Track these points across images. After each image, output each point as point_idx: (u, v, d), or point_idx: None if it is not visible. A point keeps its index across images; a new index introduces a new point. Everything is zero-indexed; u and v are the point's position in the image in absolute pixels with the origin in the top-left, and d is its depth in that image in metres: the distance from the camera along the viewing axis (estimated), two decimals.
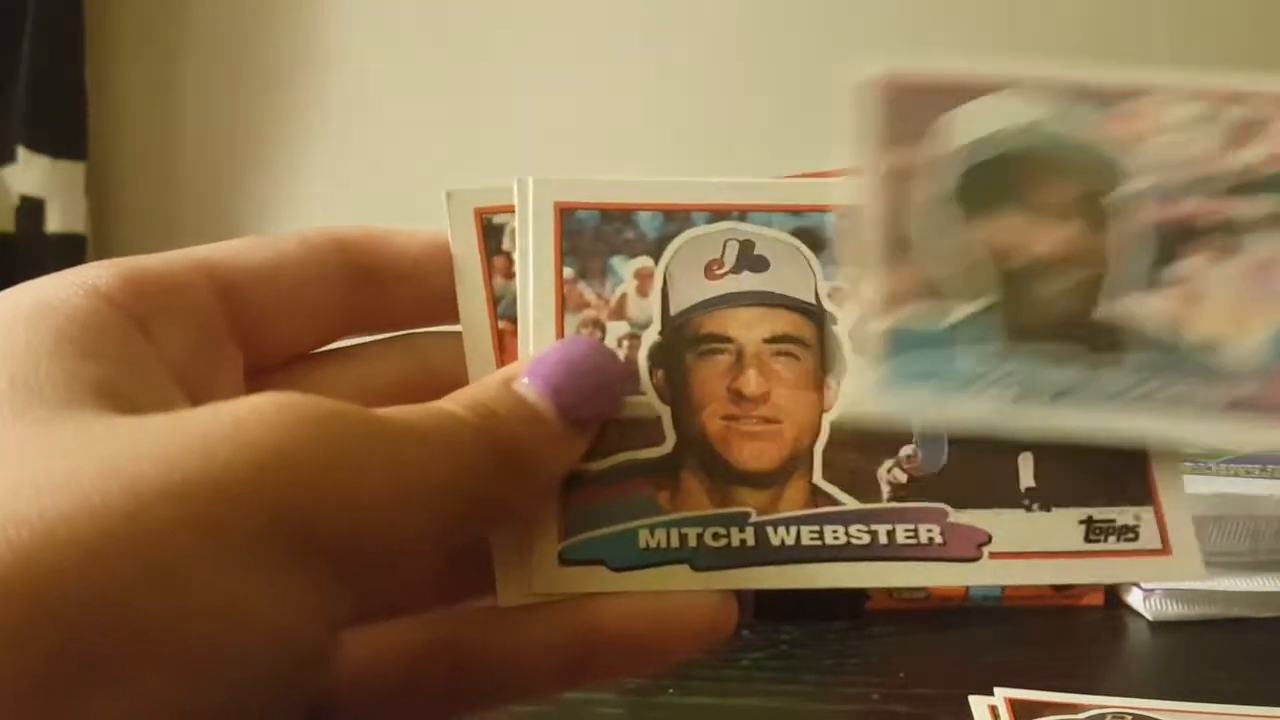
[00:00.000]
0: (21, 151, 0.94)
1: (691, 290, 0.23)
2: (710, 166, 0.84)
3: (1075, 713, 0.47)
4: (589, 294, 0.23)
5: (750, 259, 0.23)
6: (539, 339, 0.22)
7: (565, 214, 0.23)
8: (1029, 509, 0.22)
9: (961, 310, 0.22)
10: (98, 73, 0.99)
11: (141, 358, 0.18)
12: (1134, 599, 0.60)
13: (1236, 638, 0.57)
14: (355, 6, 0.99)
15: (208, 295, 0.20)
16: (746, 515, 0.22)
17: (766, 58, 0.94)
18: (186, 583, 0.14)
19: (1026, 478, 0.22)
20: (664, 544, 0.21)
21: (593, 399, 0.21)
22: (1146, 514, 0.22)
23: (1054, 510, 0.22)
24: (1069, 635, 0.59)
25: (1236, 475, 0.61)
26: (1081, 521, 0.22)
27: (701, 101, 0.94)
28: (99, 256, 0.97)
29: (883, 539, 0.22)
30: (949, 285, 0.22)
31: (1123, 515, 0.22)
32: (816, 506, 0.22)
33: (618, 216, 0.23)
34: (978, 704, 0.47)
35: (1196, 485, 0.59)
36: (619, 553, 0.21)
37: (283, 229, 0.99)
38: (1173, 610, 0.58)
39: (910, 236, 0.22)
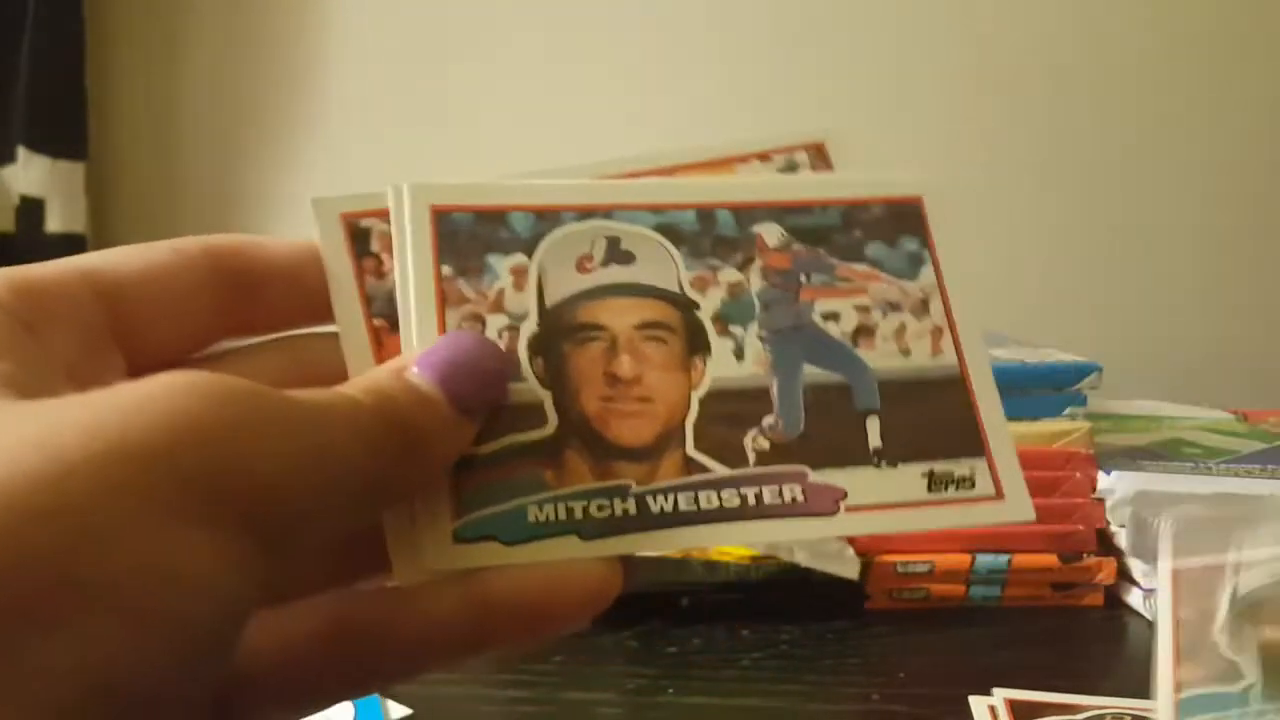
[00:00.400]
0: (21, 151, 0.94)
1: (565, 284, 0.25)
2: None
3: (1074, 713, 0.47)
4: (468, 290, 0.24)
5: (617, 253, 0.25)
6: (422, 334, 0.23)
7: (440, 216, 0.25)
8: (878, 465, 0.24)
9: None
10: (98, 73, 0.99)
11: (34, 357, 0.19)
12: (1134, 599, 0.60)
13: None
14: (355, 6, 0.99)
15: (89, 301, 0.21)
16: (627, 487, 0.23)
17: (748, 60, 0.95)
18: (118, 540, 0.15)
19: (874, 439, 0.25)
20: (552, 517, 0.23)
21: (479, 387, 0.22)
22: (980, 465, 0.25)
23: (900, 466, 0.25)
24: (1069, 635, 0.59)
25: (1236, 475, 0.61)
26: (924, 475, 0.25)
27: (686, 105, 0.94)
28: None
29: (751, 500, 0.24)
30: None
31: (960, 467, 0.25)
32: (690, 475, 0.24)
33: (491, 217, 0.25)
34: (978, 704, 0.47)
35: (1195, 485, 0.59)
36: (510, 528, 0.22)
37: (282, 228, 1.00)
38: None
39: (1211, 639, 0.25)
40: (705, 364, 0.25)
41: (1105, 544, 0.62)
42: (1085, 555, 0.60)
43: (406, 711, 0.47)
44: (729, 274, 0.25)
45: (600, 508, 0.23)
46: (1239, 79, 0.92)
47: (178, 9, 1.01)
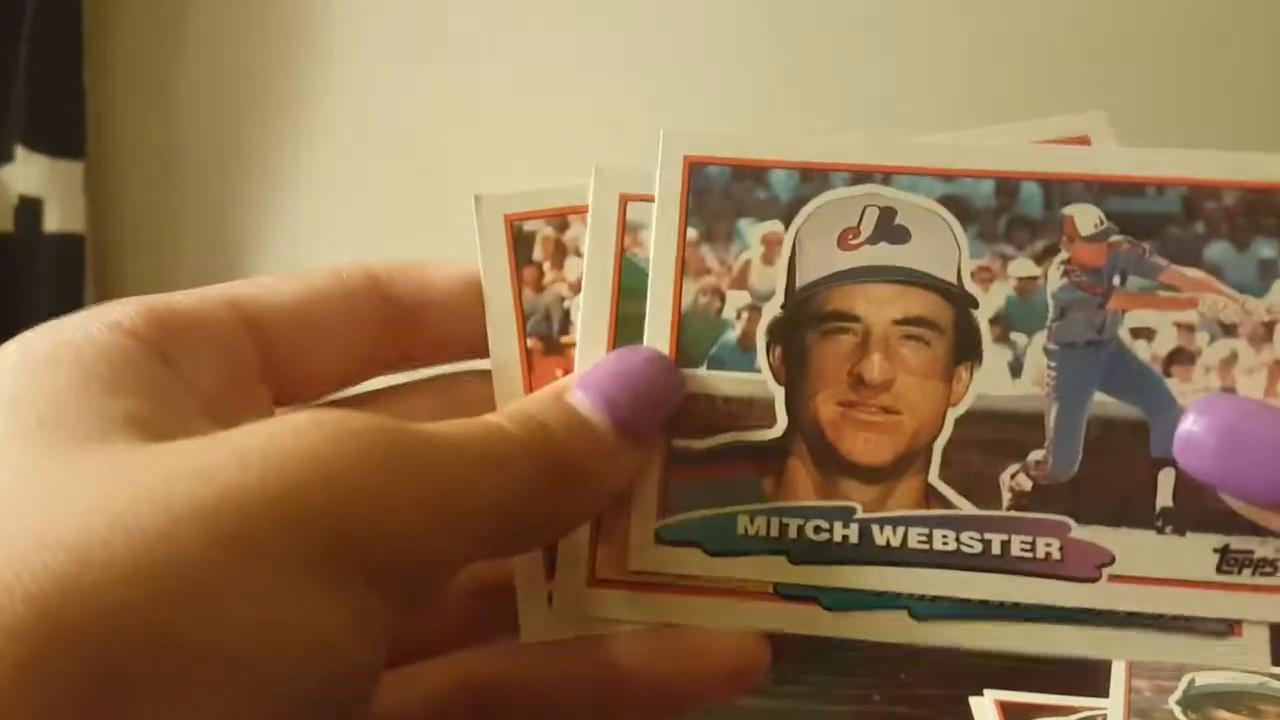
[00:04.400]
0: (20, 151, 0.94)
1: (821, 261, 0.21)
2: None
3: (1067, 714, 0.47)
4: (712, 259, 0.21)
5: (890, 229, 0.21)
6: (590, 350, 0.21)
7: (695, 169, 0.22)
8: (1160, 531, 0.20)
9: None
10: (96, 72, 0.98)
11: (170, 392, 0.18)
12: None
13: None
14: (354, 6, 0.99)
15: (236, 330, 0.20)
16: (852, 510, 0.20)
17: (768, 58, 0.94)
18: (223, 599, 0.14)
19: (1164, 496, 0.20)
20: (763, 532, 0.20)
21: (648, 410, 0.20)
22: None
23: (1188, 535, 0.20)
24: None
25: None
26: (1217, 550, 0.20)
27: (716, 100, 0.94)
28: (97, 256, 0.97)
29: (996, 549, 0.20)
30: None
31: (1263, 547, 0.20)
32: (929, 508, 0.20)
33: (750, 174, 0.21)
34: (978, 705, 0.47)
35: None
36: (716, 537, 0.20)
37: (281, 228, 0.99)
38: None
39: None
40: (971, 375, 0.21)
41: None
42: None
43: None
44: (1022, 265, 0.21)
45: (818, 529, 0.20)
46: (1239, 78, 0.92)
47: (176, 8, 1.00)
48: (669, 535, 0.20)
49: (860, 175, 0.21)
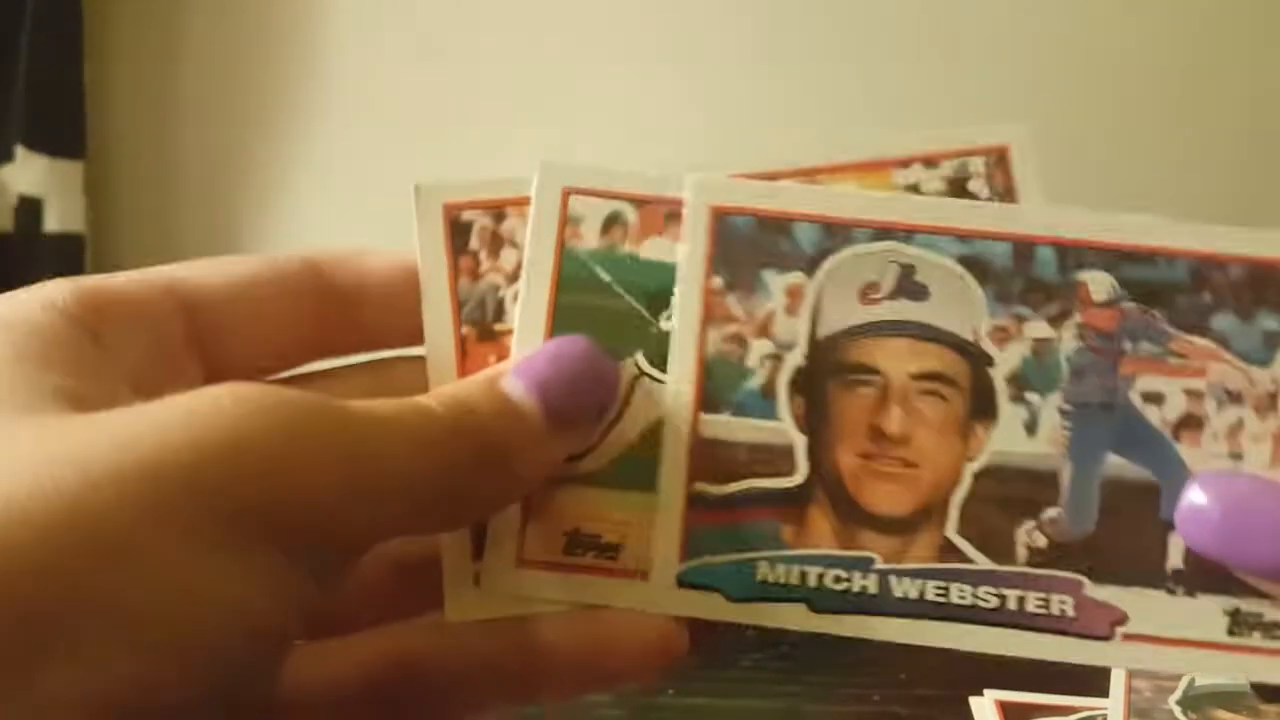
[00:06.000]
0: (20, 151, 0.93)
1: (843, 313, 0.22)
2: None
3: (1067, 714, 0.47)
4: (737, 308, 0.22)
5: (910, 285, 0.22)
6: (528, 338, 0.22)
7: (721, 219, 0.22)
8: (1172, 592, 0.21)
9: None
10: (96, 72, 0.98)
11: (99, 369, 0.19)
12: None
13: None
14: (354, 7, 0.99)
15: (168, 311, 0.21)
16: (871, 561, 0.21)
17: (776, 57, 0.94)
18: (136, 560, 0.15)
19: (1175, 558, 0.21)
20: (784, 580, 0.21)
21: (582, 399, 0.21)
22: None
23: (1199, 596, 0.21)
24: None
25: None
26: (1227, 612, 0.20)
27: (706, 105, 0.94)
28: (97, 256, 0.97)
29: (1011, 605, 0.21)
30: None
31: (1273, 610, 0.20)
32: (945, 561, 0.21)
33: (775, 225, 0.22)
34: (978, 705, 0.47)
35: None
36: (737, 583, 0.21)
37: (281, 227, 0.99)
38: None
39: None
40: (988, 432, 0.21)
41: None
42: None
43: None
44: (1037, 327, 0.22)
45: (838, 579, 0.21)
46: (1238, 75, 0.92)
47: (176, 8, 1.00)
48: (690, 579, 0.21)
49: (882, 232, 0.22)
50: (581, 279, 0.22)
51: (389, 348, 0.23)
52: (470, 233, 0.23)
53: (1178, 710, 0.43)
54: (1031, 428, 0.21)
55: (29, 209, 0.95)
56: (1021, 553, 0.21)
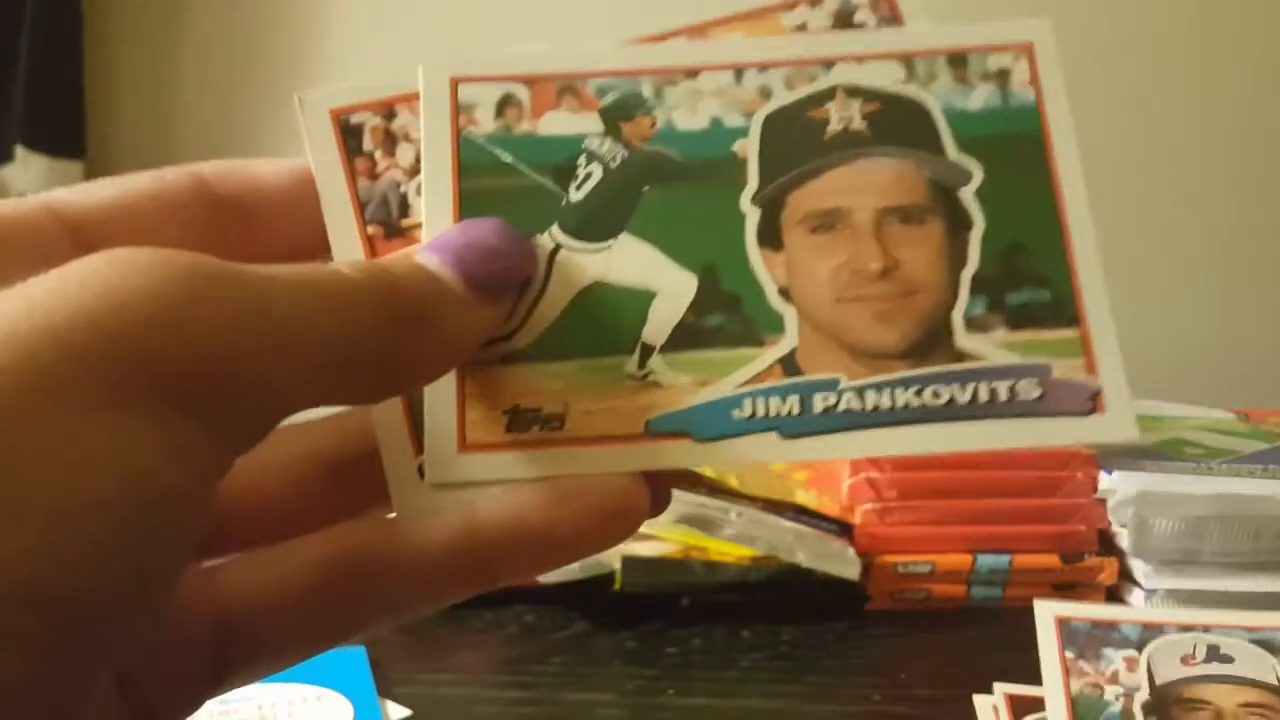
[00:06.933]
0: (20, 150, 0.94)
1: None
2: None
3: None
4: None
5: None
6: (436, 224, 0.21)
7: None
8: None
9: None
10: (96, 71, 0.99)
11: None
12: (1135, 599, 0.60)
13: None
14: (353, 7, 0.99)
15: (52, 231, 0.20)
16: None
17: None
18: (30, 428, 0.14)
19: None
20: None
21: (497, 266, 0.20)
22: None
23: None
24: None
25: (1238, 475, 0.61)
26: None
27: None
28: None
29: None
30: None
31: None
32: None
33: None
34: (982, 704, 0.47)
35: (1197, 486, 0.59)
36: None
37: None
38: None
39: None
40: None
41: (1106, 544, 0.61)
42: (1087, 555, 0.60)
43: (406, 713, 0.47)
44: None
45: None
46: (1237, 75, 0.92)
47: (175, 8, 1.01)
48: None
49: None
50: (482, 163, 0.22)
51: (288, 257, 0.22)
52: (362, 134, 0.22)
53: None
54: None
55: None
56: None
